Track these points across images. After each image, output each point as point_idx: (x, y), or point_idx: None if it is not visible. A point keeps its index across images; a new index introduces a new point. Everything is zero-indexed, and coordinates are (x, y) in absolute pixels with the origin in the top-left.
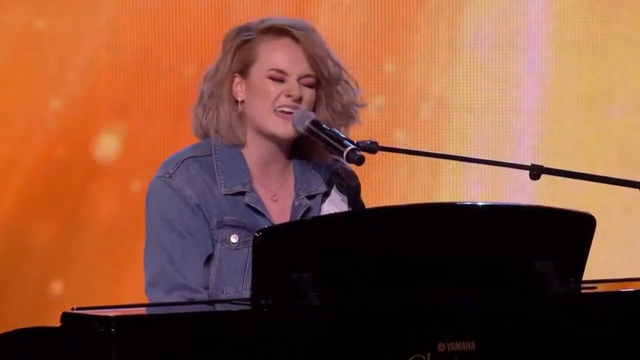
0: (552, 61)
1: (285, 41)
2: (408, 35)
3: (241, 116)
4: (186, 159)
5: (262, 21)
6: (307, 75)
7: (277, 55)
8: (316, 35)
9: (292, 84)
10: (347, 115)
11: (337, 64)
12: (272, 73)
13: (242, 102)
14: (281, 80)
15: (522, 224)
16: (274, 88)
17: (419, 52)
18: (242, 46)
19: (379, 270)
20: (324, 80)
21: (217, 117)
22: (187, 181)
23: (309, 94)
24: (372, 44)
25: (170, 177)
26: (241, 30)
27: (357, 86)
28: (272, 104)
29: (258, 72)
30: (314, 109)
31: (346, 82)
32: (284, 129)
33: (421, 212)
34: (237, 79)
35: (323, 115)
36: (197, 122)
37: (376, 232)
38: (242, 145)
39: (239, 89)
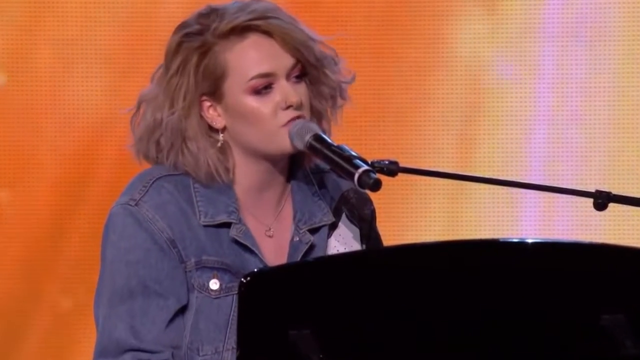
0: (625, 58)
1: (255, 39)
2: (436, 25)
3: (223, 148)
4: (157, 178)
5: (208, 15)
6: (294, 66)
7: (254, 58)
8: (285, 16)
9: (284, 88)
10: (336, 97)
11: (319, 43)
12: (256, 82)
13: (224, 129)
14: (268, 86)
15: (585, 266)
16: (263, 105)
17: (449, 46)
18: (202, 61)
19: (397, 326)
20: (310, 66)
21: (189, 159)
22: (157, 209)
23: (302, 90)
24: (391, 35)
25: (136, 204)
26: (187, 37)
27: (337, 55)
28: (271, 124)
29: (235, 88)
30: None
31: (331, 60)
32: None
33: (453, 250)
34: (208, 103)
35: (313, 104)
36: (150, 157)
37: (394, 278)
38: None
39: (214, 114)
